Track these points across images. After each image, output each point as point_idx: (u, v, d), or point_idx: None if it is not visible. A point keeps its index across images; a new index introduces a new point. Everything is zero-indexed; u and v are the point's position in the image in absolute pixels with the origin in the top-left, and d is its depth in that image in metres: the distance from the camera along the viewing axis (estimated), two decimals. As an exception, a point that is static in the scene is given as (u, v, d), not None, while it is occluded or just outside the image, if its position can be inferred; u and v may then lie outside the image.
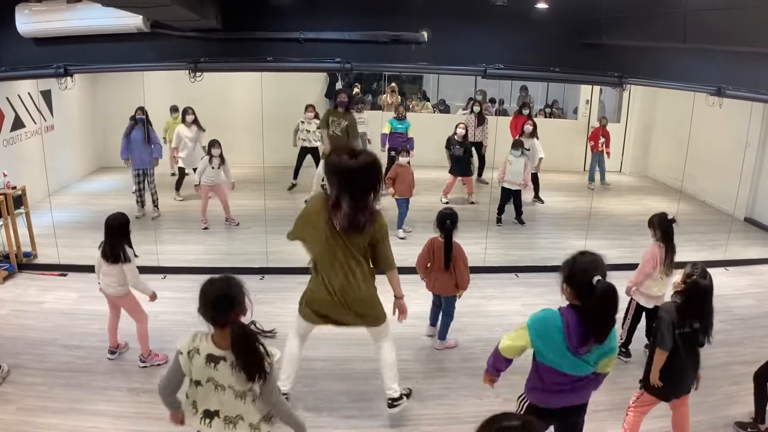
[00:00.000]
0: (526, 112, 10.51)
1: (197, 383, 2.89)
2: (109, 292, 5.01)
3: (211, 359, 2.83)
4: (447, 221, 5.20)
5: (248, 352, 2.79)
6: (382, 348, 4.39)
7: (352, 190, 3.79)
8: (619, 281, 5.35)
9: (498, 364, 3.37)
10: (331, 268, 4.06)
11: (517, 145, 8.99)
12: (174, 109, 9.92)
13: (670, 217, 5.11)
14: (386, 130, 10.07)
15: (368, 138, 10.69)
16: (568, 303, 3.10)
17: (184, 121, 9.16)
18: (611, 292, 2.92)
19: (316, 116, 9.93)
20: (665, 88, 8.24)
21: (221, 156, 8.26)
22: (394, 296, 4.34)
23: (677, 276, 4.11)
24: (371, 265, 4.18)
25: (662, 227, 5.11)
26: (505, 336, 3.25)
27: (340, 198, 3.80)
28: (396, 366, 4.44)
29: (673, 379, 3.90)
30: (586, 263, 2.98)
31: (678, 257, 7.59)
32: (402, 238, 8.17)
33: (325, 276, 4.09)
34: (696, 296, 3.82)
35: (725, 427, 4.53)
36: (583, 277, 2.94)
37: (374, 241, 4.02)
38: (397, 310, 4.37)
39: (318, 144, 9.85)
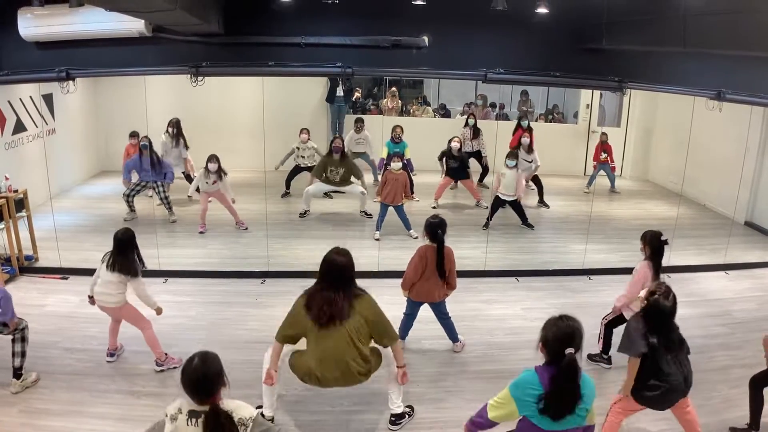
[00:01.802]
0: (525, 123, 10.55)
1: None
2: (108, 303, 5.02)
3: (193, 415, 2.85)
4: (438, 231, 5.18)
5: None
6: (390, 372, 4.40)
7: (334, 280, 4.00)
8: (620, 285, 5.43)
9: (480, 424, 3.29)
10: (322, 360, 4.01)
11: (511, 155, 9.04)
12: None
13: (663, 237, 5.07)
14: (383, 154, 10.01)
15: (372, 159, 10.70)
16: (544, 362, 3.12)
17: (167, 132, 9.37)
18: (573, 367, 2.99)
19: (309, 139, 9.97)
20: (665, 92, 8.26)
21: (218, 171, 8.21)
22: (397, 366, 4.29)
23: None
24: (371, 343, 4.17)
25: (653, 245, 5.08)
26: (491, 403, 3.21)
27: (322, 288, 4.01)
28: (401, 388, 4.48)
29: (653, 390, 3.93)
30: (563, 331, 3.03)
31: (679, 261, 7.69)
32: (378, 239, 8.22)
33: (318, 363, 4.03)
34: (655, 316, 3.88)
35: (724, 430, 4.53)
36: (557, 346, 3.01)
37: (368, 320, 4.02)
38: (399, 377, 4.32)
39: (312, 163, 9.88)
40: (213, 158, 8.21)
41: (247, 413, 2.88)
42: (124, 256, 4.97)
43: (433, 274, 5.26)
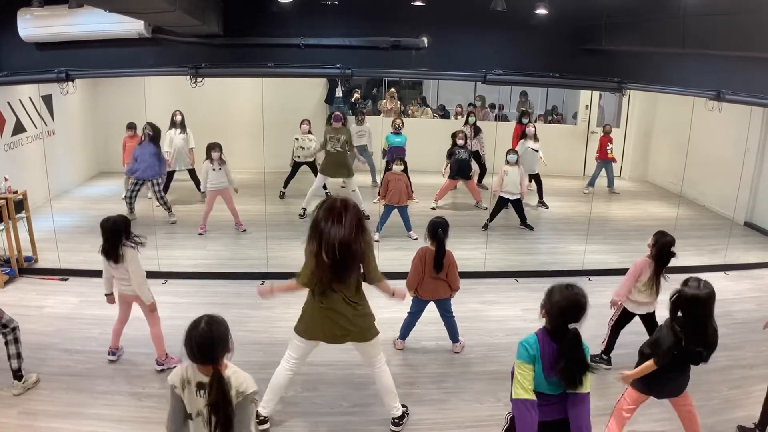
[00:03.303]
0: (525, 120, 10.56)
1: (188, 416, 2.92)
2: (129, 291, 5.00)
3: (201, 387, 2.84)
4: (439, 230, 5.22)
5: (225, 407, 2.80)
6: (379, 373, 4.40)
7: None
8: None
9: (527, 417, 3.11)
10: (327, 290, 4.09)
11: (512, 152, 9.08)
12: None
13: (673, 248, 5.03)
14: (384, 146, 10.06)
15: (371, 151, 10.76)
16: (544, 326, 3.16)
17: (173, 124, 9.32)
18: (577, 342, 3.04)
19: (310, 131, 9.98)
20: (665, 93, 8.26)
21: (221, 159, 8.28)
22: (392, 294, 4.40)
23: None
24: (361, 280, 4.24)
25: (661, 251, 5.05)
26: (513, 388, 3.18)
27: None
28: (394, 386, 4.48)
29: (654, 380, 3.95)
30: (568, 299, 3.04)
31: (678, 262, 7.67)
32: (378, 240, 8.19)
33: (321, 297, 4.11)
34: (683, 305, 3.81)
35: (726, 431, 4.52)
36: (559, 316, 3.04)
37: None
38: (396, 296, 4.45)
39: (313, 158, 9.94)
40: (216, 147, 8.27)
41: (250, 388, 2.89)
42: (111, 243, 4.88)
43: (434, 274, 5.28)
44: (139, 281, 4.97)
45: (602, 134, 11.14)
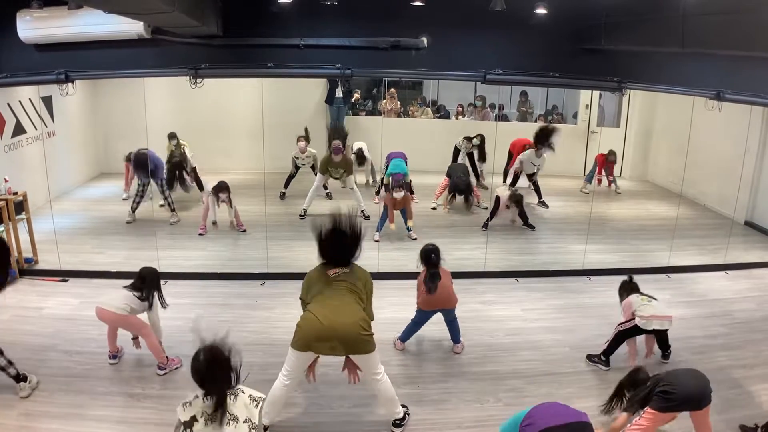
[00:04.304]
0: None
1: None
2: (110, 307, 4.94)
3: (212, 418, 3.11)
4: (432, 255, 5.31)
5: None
6: (381, 387, 4.38)
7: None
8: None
9: None
10: (324, 302, 4.20)
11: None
12: (172, 136, 9.49)
13: (628, 278, 5.58)
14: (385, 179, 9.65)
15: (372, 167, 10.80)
16: None
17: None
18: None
19: (308, 142, 9.90)
20: (665, 92, 8.25)
21: (229, 201, 8.33)
22: None
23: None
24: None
25: (627, 290, 5.44)
26: None
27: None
28: (395, 392, 4.46)
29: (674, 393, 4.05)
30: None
31: (679, 261, 7.70)
32: (378, 240, 8.24)
33: (317, 309, 4.15)
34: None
35: (725, 430, 4.52)
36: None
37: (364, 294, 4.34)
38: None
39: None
40: (224, 189, 8.28)
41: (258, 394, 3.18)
42: (149, 288, 5.11)
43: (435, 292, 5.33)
44: (157, 327, 5.16)
45: (604, 159, 10.98)
